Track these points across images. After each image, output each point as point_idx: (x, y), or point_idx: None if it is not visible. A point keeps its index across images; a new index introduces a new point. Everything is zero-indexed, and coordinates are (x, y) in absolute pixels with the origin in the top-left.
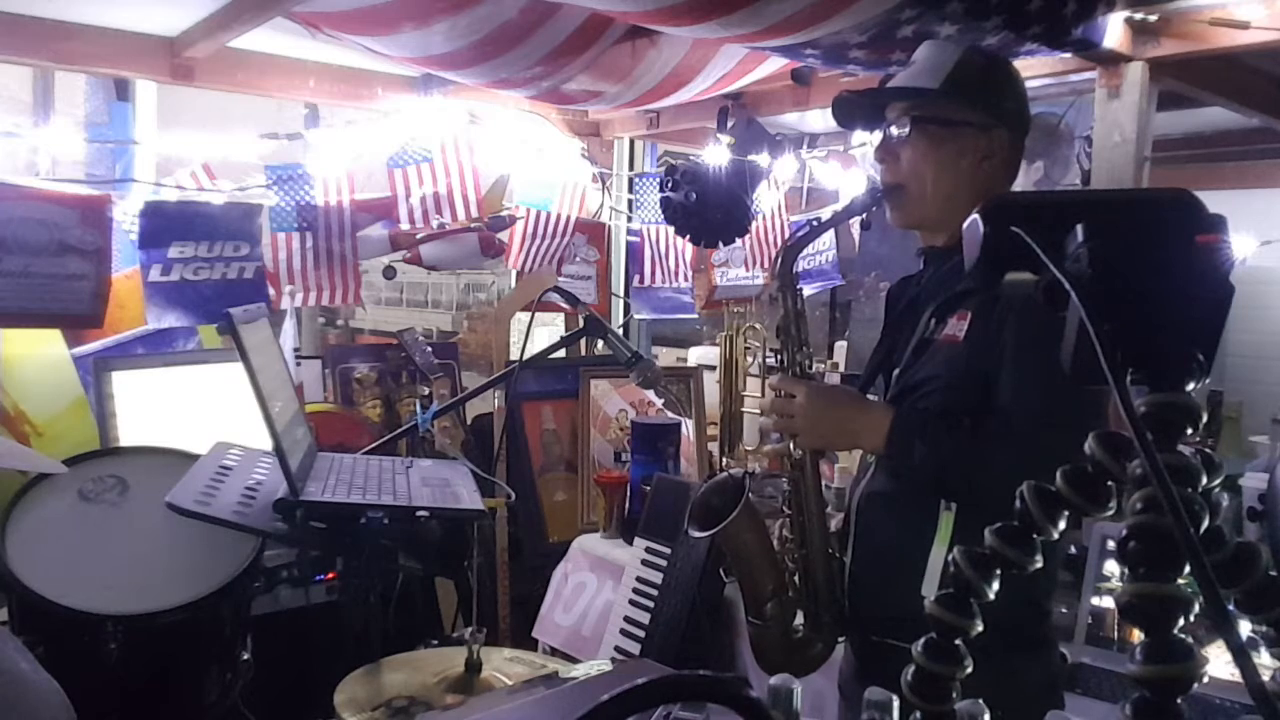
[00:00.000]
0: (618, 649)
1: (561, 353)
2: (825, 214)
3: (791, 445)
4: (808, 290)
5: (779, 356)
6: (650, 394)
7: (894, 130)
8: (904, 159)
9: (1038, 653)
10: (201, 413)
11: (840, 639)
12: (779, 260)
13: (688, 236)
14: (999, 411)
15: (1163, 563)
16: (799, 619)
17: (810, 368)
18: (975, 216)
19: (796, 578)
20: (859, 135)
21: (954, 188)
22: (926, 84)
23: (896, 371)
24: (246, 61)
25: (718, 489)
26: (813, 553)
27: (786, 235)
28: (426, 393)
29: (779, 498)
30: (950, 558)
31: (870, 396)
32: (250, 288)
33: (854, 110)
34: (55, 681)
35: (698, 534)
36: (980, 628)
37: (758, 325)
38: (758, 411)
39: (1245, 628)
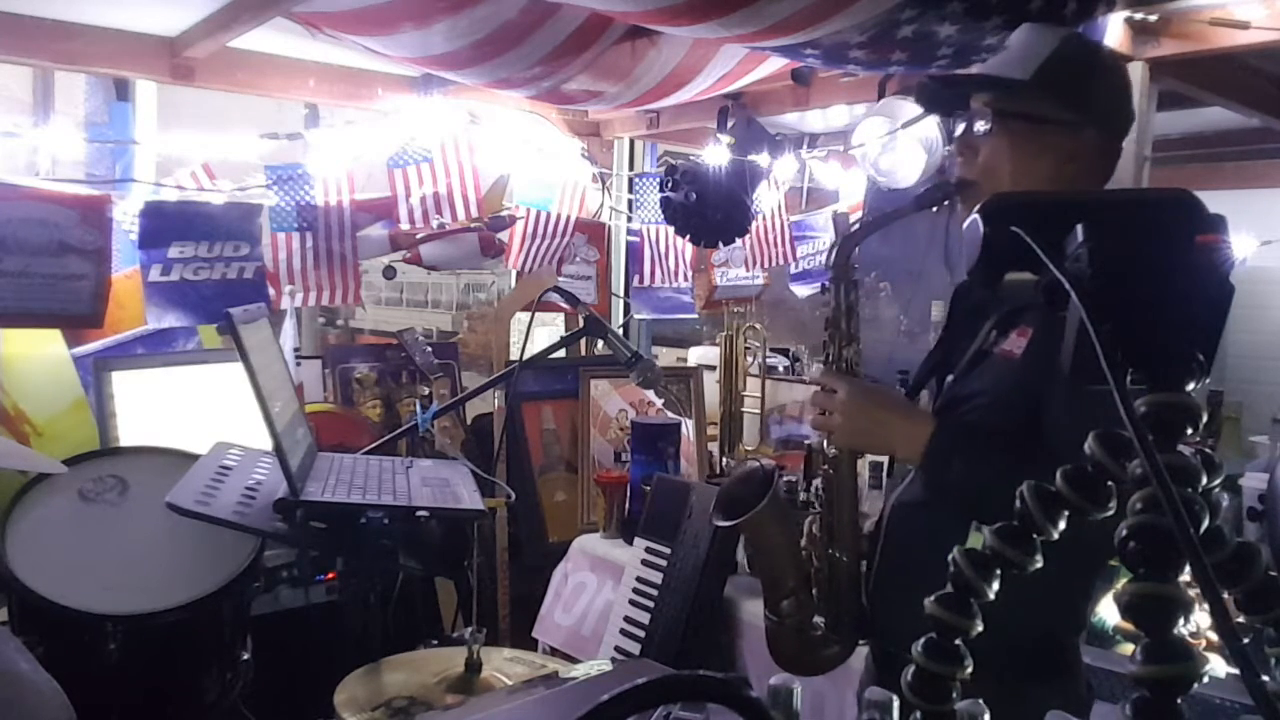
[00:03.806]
0: (618, 649)
1: (561, 353)
2: (824, 213)
3: (825, 443)
4: (806, 290)
5: (825, 350)
6: (650, 394)
7: (976, 124)
8: (982, 155)
9: (1056, 683)
10: (201, 413)
11: (860, 643)
12: (834, 251)
13: (688, 236)
14: (1046, 438)
15: (1163, 563)
16: (818, 618)
17: (858, 364)
18: (975, 216)
19: (820, 576)
20: (858, 135)
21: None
22: (1015, 74)
23: (950, 379)
24: (246, 61)
25: (745, 479)
26: (840, 553)
27: (787, 235)
28: (426, 393)
29: (793, 496)
30: (950, 557)
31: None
32: (250, 288)
33: (937, 96)
34: (55, 681)
35: (723, 523)
36: (980, 627)
37: (758, 325)
38: (757, 411)
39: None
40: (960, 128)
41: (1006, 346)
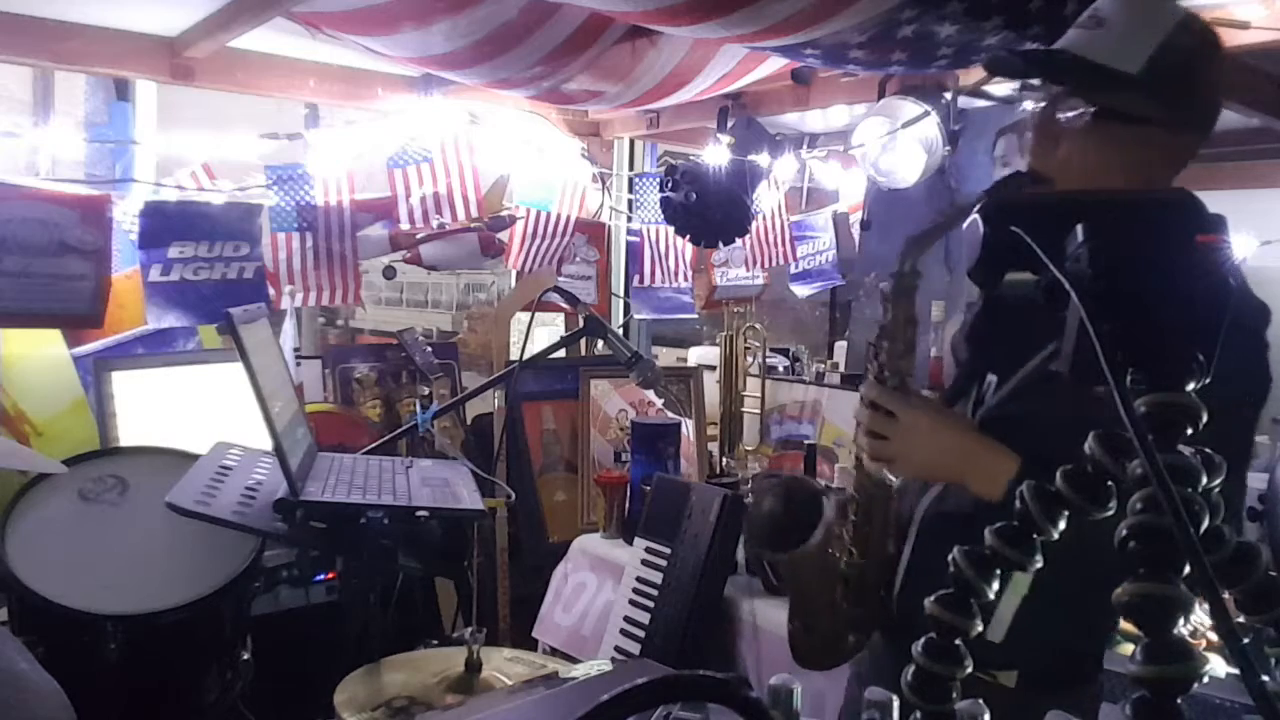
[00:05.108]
0: (618, 649)
1: (561, 353)
2: (824, 213)
3: (886, 473)
4: (806, 290)
5: (875, 362)
6: (650, 394)
7: (1061, 111)
8: (1063, 148)
9: (1064, 693)
10: (201, 413)
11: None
12: (902, 256)
13: (688, 236)
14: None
15: (1163, 563)
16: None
17: (912, 379)
18: (975, 216)
19: (849, 582)
20: (858, 135)
21: None
22: (1123, 65)
23: (994, 380)
24: (246, 61)
25: (784, 494)
26: (871, 565)
27: (787, 235)
28: (426, 393)
29: None
30: (950, 557)
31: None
32: (250, 288)
33: (1014, 67)
34: (55, 681)
35: (772, 555)
36: (980, 628)
37: (758, 325)
38: (757, 411)
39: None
40: (1037, 107)
41: None
